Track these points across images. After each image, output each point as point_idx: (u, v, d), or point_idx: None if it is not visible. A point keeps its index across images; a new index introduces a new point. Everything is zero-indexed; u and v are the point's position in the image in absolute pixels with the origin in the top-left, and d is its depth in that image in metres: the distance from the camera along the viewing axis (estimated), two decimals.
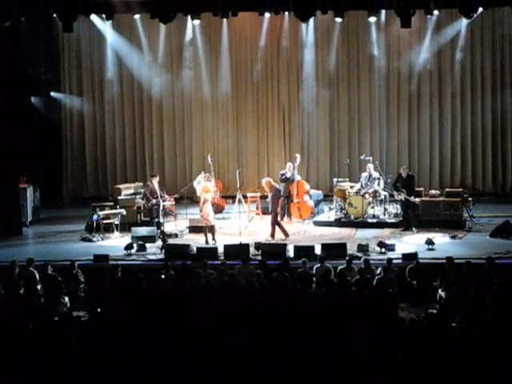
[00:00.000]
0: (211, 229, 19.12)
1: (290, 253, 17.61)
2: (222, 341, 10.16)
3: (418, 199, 20.17)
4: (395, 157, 25.16)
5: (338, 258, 16.69)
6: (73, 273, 16.13)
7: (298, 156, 22.20)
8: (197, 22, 23.19)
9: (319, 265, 15.74)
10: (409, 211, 20.06)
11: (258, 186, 24.45)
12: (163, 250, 18.20)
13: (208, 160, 22.10)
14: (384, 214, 20.96)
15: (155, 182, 20.51)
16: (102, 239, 20.06)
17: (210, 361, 9.53)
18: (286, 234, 19.42)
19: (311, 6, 20.54)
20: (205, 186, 19.44)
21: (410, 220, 20.02)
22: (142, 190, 21.15)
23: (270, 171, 25.33)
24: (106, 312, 12.73)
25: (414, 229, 19.84)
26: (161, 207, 20.09)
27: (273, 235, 19.28)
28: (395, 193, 20.32)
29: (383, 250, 17.71)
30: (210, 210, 19.07)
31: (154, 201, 20.16)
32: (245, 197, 22.29)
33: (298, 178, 21.90)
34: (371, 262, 16.03)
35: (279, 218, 20.14)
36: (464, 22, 23.32)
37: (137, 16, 23.56)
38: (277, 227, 19.42)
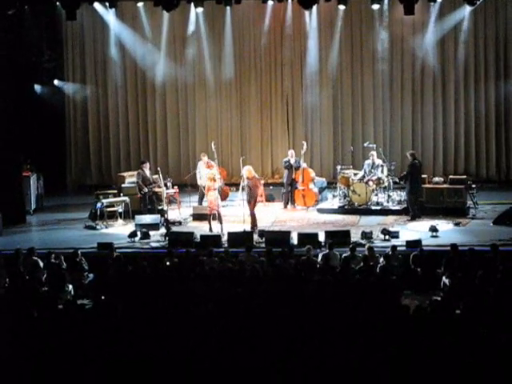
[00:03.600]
0: (218, 217, 18.91)
1: (294, 240, 17.63)
2: (226, 329, 10.18)
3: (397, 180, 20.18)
4: (399, 144, 25.16)
5: (342, 245, 16.70)
6: (76, 261, 16.12)
7: (305, 143, 22.22)
8: (200, 9, 23.27)
9: (327, 251, 15.72)
10: (410, 201, 19.94)
11: (262, 173, 24.55)
12: (167, 238, 18.22)
13: (212, 147, 22.07)
14: (388, 201, 20.94)
15: (146, 168, 20.54)
16: (106, 227, 20.07)
17: (214, 348, 9.54)
18: (255, 226, 19.04)
19: None
20: (209, 173, 19.39)
21: (415, 208, 19.89)
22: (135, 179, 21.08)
23: (274, 158, 25.48)
24: (111, 300, 12.73)
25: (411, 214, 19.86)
26: (164, 194, 20.10)
27: (255, 224, 18.96)
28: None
29: (387, 237, 17.70)
30: (214, 197, 18.92)
31: (146, 189, 20.20)
32: None
33: (304, 165, 21.88)
34: (375, 249, 16.02)
35: (283, 206, 20.10)
36: (467, 8, 23.29)
37: (140, 4, 23.67)
38: (251, 215, 19.08)
